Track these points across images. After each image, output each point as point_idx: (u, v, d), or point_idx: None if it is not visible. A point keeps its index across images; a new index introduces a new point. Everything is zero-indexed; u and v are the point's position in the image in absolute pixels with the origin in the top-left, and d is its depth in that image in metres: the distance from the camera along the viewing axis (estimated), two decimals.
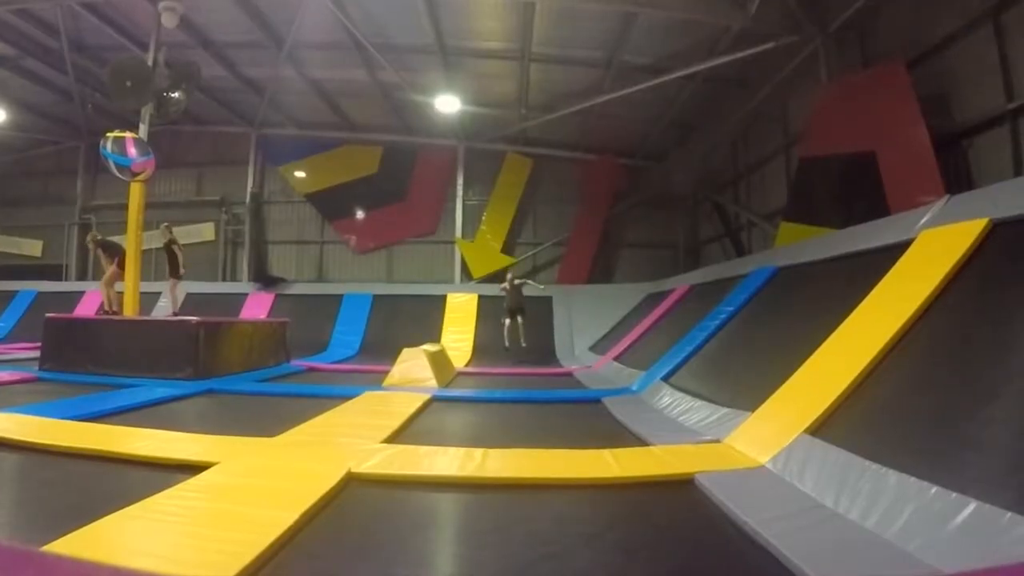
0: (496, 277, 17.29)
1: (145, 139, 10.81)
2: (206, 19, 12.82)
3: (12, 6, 12.05)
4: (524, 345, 13.07)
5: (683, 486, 3.71)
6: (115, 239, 11.93)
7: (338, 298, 17.16)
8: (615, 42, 12.34)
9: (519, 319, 13.33)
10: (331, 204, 19.34)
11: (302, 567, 2.53)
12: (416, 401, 6.97)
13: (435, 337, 14.14)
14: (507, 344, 13.27)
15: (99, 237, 12.16)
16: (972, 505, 2.48)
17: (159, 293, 15.40)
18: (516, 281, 13.64)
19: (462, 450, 4.43)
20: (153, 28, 11.35)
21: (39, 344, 9.82)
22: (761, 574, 2.51)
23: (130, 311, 10.85)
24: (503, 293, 13.63)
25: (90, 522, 2.72)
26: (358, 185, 19.17)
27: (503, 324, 13.46)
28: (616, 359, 11.24)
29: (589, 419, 6.39)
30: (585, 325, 15.56)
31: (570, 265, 18.45)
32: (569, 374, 11.26)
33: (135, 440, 4.58)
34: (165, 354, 8.87)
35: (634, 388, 8.05)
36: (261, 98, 16.72)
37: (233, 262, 19.77)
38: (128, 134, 10.54)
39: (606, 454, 4.32)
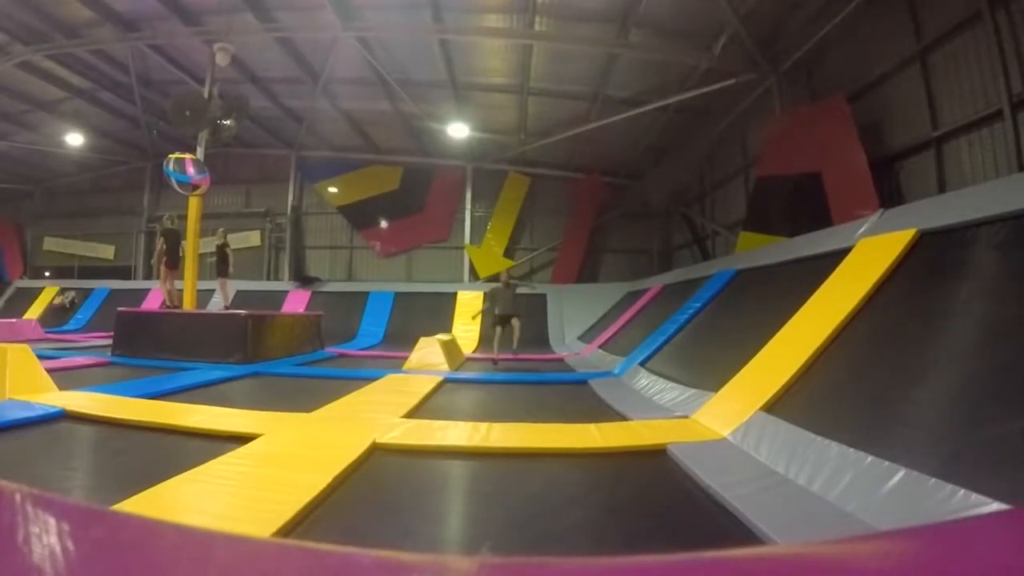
0: (499, 278, 17.38)
1: (202, 160, 10.80)
2: (253, 58, 12.82)
3: (90, 47, 12.06)
4: (515, 349, 9.26)
5: (657, 455, 3.71)
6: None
7: (365, 295, 17.17)
8: (600, 78, 12.34)
9: (514, 323, 9.40)
10: (359, 215, 19.34)
11: (333, 523, 2.54)
12: (431, 383, 6.96)
13: (447, 328, 14.13)
14: (495, 353, 9.56)
15: (171, 226, 11.66)
16: (901, 472, 2.49)
17: (213, 290, 15.42)
18: (512, 281, 9.80)
19: (470, 424, 4.43)
20: (209, 66, 11.34)
21: (111, 333, 9.82)
22: (723, 531, 2.50)
23: (189, 305, 10.86)
24: (491, 298, 9.62)
25: (154, 485, 2.73)
26: (382, 199, 19.15)
27: (494, 333, 9.58)
28: (601, 347, 11.23)
29: (577, 398, 6.38)
30: (574, 318, 15.54)
31: (562, 267, 18.43)
32: (560, 359, 11.26)
33: (193, 415, 4.58)
34: (218, 342, 8.88)
35: (616, 372, 8.05)
36: (300, 125, 16.74)
37: (276, 264, 19.74)
38: (187, 155, 10.53)
39: (591, 428, 4.32)
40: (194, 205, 10.95)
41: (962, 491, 2.19)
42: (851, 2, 8.22)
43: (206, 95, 11.21)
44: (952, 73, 7.25)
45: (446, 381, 7.43)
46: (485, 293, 9.27)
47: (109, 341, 9.84)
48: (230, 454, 3.35)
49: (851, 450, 2.85)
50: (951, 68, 7.26)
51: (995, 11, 6.45)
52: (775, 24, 9.83)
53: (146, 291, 17.59)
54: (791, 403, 3.82)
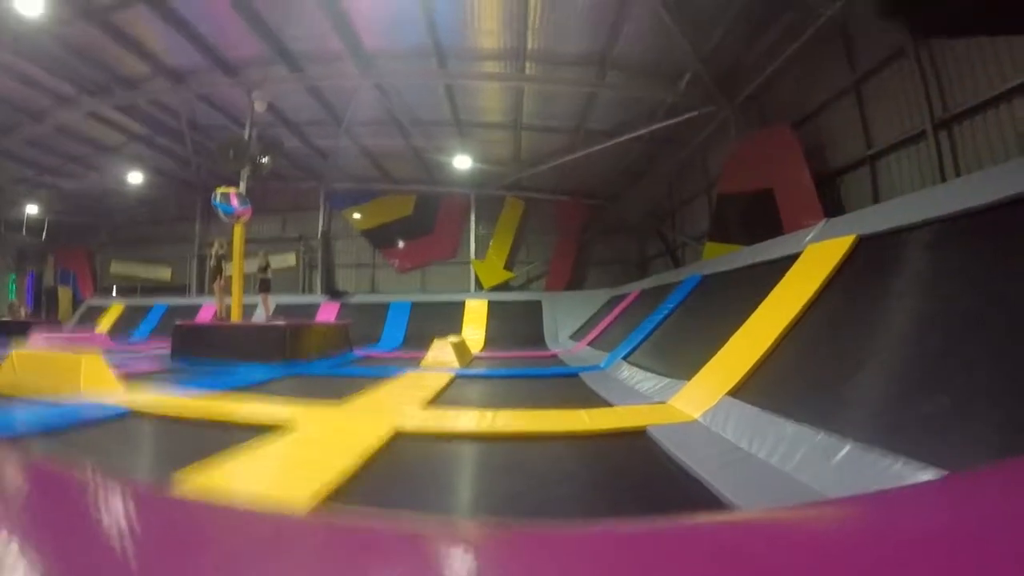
0: (504, 287, 17.57)
1: (244, 193, 10.83)
2: (287, 104, 12.86)
3: (146, 97, 12.12)
4: None
5: (638, 436, 3.70)
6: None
7: (386, 305, 17.13)
8: (582, 114, 12.38)
9: None
10: (379, 237, 19.36)
11: (362, 497, 2.53)
12: (444, 378, 6.95)
13: (457, 331, 14.09)
14: None
15: (222, 252, 11.62)
16: (848, 446, 2.49)
17: (256, 304, 15.43)
18: None
19: (478, 412, 4.43)
20: (248, 112, 11.40)
21: (169, 342, 9.83)
22: (696, 499, 2.50)
23: (236, 317, 10.86)
24: None
25: (207, 468, 2.73)
26: (398, 223, 19.19)
27: None
28: (589, 344, 11.22)
29: (569, 388, 6.37)
30: (566, 320, 15.51)
31: (554, 277, 18.47)
32: (555, 355, 11.23)
33: (240, 409, 4.58)
34: (262, 347, 8.85)
35: (602, 365, 8.03)
36: (327, 161, 16.77)
37: (310, 280, 19.76)
38: (232, 189, 10.55)
39: (582, 413, 4.32)
40: (238, 232, 10.97)
41: (902, 460, 2.19)
42: (795, 43, 8.25)
43: (246, 137, 11.25)
44: (882, 100, 7.29)
45: (457, 377, 7.41)
46: None
47: (168, 349, 9.83)
48: (273, 441, 3.35)
49: (805, 427, 2.85)
50: (881, 96, 7.30)
51: (918, 47, 6.50)
52: (730, 64, 9.88)
53: (199, 306, 17.59)
54: (753, 388, 3.82)
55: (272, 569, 0.57)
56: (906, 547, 0.56)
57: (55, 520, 0.71)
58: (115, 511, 0.72)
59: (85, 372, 5.16)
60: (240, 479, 2.71)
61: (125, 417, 4.35)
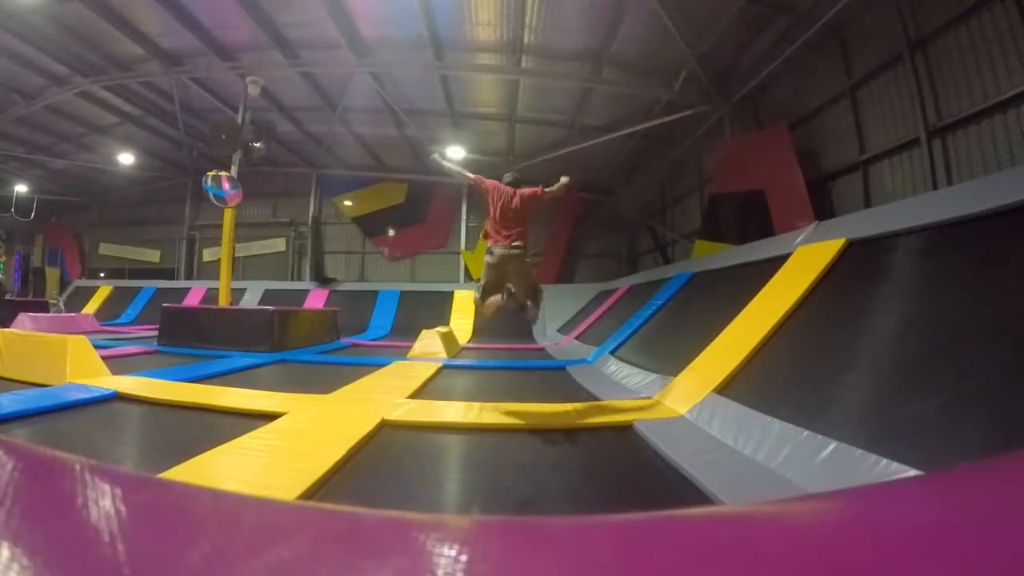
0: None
1: (235, 177, 10.75)
2: (281, 89, 12.76)
3: (140, 79, 11.98)
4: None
5: (625, 430, 3.72)
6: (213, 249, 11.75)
7: (375, 293, 17.09)
8: (577, 109, 12.36)
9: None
10: (370, 225, 19.26)
11: (348, 487, 2.53)
12: (431, 368, 6.95)
13: (445, 321, 14.08)
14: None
15: None
16: (833, 444, 2.51)
17: (245, 289, 15.34)
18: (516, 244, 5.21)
19: (464, 403, 4.42)
20: (242, 96, 11.29)
21: (157, 326, 9.75)
22: (682, 494, 2.52)
23: (223, 302, 10.79)
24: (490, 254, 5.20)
25: (196, 456, 2.72)
26: (390, 211, 19.08)
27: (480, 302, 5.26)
28: (577, 338, 11.23)
29: (556, 382, 6.38)
30: (554, 313, 15.47)
31: (543, 270, 18.39)
32: (542, 349, 11.24)
33: (228, 396, 4.56)
34: (249, 333, 8.81)
35: (589, 359, 8.05)
36: (320, 147, 16.65)
37: (299, 267, 19.64)
38: (223, 173, 10.47)
39: (568, 407, 4.33)
40: (228, 216, 10.90)
41: (884, 460, 2.22)
42: (792, 45, 8.26)
43: (239, 121, 11.14)
44: (877, 106, 7.32)
45: (444, 367, 7.41)
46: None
47: (155, 333, 9.76)
48: (260, 429, 3.34)
49: (790, 426, 2.87)
50: (876, 102, 7.33)
51: (914, 54, 6.52)
52: (727, 63, 9.88)
53: (187, 289, 17.51)
54: (739, 386, 3.84)
55: (260, 558, 0.56)
56: (888, 541, 0.57)
57: (39, 505, 0.70)
58: (100, 496, 0.71)
59: (71, 354, 5.11)
60: (226, 466, 2.70)
61: (111, 400, 4.33)
